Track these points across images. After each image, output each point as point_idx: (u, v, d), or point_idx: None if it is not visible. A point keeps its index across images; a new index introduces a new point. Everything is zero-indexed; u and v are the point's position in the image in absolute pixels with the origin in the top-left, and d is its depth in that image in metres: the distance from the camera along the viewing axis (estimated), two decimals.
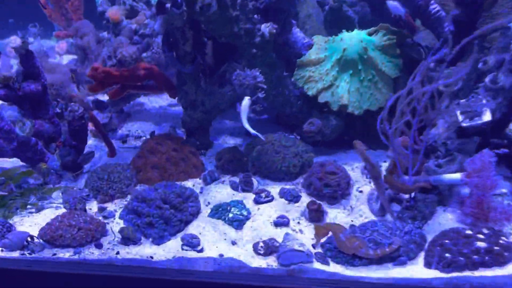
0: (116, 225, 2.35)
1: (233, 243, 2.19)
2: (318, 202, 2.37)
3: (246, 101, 2.56)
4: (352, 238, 2.05)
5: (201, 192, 2.65)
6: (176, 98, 3.00)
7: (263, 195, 2.48)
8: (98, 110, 3.18)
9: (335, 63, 2.80)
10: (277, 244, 2.08)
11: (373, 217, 2.38)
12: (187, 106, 2.90)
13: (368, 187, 2.62)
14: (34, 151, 2.63)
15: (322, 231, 2.16)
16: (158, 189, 2.39)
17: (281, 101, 2.93)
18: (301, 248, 1.99)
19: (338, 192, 2.47)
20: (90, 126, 2.90)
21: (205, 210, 2.47)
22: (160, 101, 3.80)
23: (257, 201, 2.50)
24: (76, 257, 2.04)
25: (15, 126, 2.46)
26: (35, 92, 2.67)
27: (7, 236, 2.09)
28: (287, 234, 2.13)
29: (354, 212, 2.44)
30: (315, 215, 2.33)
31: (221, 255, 2.07)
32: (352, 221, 2.40)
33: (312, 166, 2.64)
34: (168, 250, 2.12)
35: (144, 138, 3.23)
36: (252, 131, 2.56)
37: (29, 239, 2.10)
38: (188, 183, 2.73)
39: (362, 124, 2.90)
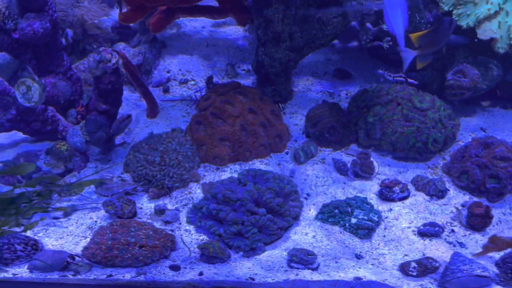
0: (184, 232, 2.07)
1: (359, 256, 1.97)
2: (485, 204, 2.07)
3: None
4: None
5: (292, 177, 2.34)
6: (247, 26, 2.50)
7: (397, 189, 2.16)
8: (124, 42, 2.68)
9: None
10: (437, 265, 1.90)
11: None
12: (267, 41, 2.43)
13: None
14: (43, 120, 2.22)
15: (500, 246, 1.93)
16: (246, 183, 2.06)
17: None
18: (485, 274, 1.82)
19: (509, 187, 2.14)
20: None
21: (306, 207, 2.20)
22: (201, 20, 3.24)
23: (386, 197, 2.18)
24: (141, 278, 1.85)
25: (15, 90, 2.00)
26: (41, 34, 2.15)
27: (37, 257, 1.85)
28: (457, 254, 1.91)
29: None
30: (480, 221, 2.05)
31: (358, 278, 1.86)
32: None
33: (465, 144, 2.28)
34: (269, 268, 1.92)
35: (193, 83, 2.80)
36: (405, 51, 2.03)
37: (69, 259, 1.87)
38: (271, 163, 2.40)
39: None
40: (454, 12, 2.37)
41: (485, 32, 2.31)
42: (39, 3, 2.18)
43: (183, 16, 2.58)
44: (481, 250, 1.98)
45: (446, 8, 2.40)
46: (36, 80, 2.06)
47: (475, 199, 2.20)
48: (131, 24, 2.80)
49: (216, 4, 2.61)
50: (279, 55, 2.47)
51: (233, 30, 3.19)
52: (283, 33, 2.41)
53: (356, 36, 3.07)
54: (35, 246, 1.93)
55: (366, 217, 2.08)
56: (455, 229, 2.11)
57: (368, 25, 2.34)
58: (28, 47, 2.22)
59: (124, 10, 2.63)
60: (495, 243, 1.94)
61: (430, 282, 1.88)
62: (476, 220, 2.06)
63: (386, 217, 2.15)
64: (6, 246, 1.86)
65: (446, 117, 2.35)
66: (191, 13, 2.54)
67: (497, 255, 1.99)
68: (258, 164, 2.40)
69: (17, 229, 2.01)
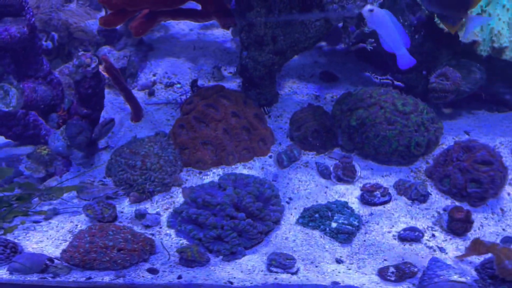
0: (165, 236, 2.10)
1: (339, 261, 2.00)
2: (465, 208, 2.08)
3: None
4: None
5: (274, 181, 2.36)
6: (230, 29, 2.52)
7: (378, 193, 2.18)
8: (109, 45, 2.71)
9: None
10: (415, 270, 1.92)
11: None
12: (250, 44, 2.45)
13: None
14: (25, 124, 2.27)
15: (479, 250, 1.95)
16: (226, 187, 2.08)
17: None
18: (462, 279, 1.83)
19: (490, 192, 2.16)
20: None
21: (288, 211, 2.22)
22: (190, 22, 3.27)
23: (367, 202, 2.21)
24: (120, 280, 1.88)
25: None
26: (17, 39, 2.18)
27: (16, 260, 1.89)
28: (435, 260, 1.93)
29: (506, 217, 2.21)
30: (460, 226, 2.07)
31: (335, 283, 1.89)
32: (503, 230, 2.17)
33: (448, 147, 2.29)
34: (248, 272, 1.95)
35: (179, 86, 2.83)
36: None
37: (48, 262, 1.91)
38: (255, 166, 2.42)
39: None
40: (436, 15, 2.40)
41: (468, 35, 2.33)
42: (15, 8, 2.22)
43: (166, 19, 2.60)
44: (462, 253, 2.01)
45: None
46: (14, 85, 2.09)
47: (457, 203, 2.22)
48: (118, 27, 2.84)
49: (199, 7, 2.64)
50: (262, 58, 2.49)
51: (221, 33, 3.22)
52: (266, 36, 2.43)
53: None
54: (14, 248, 1.96)
55: (346, 222, 2.10)
56: (436, 233, 2.13)
57: (352, 27, 2.36)
58: (6, 52, 2.25)
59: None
60: (476, 247, 1.96)
61: (408, 287, 1.90)
62: (457, 225, 2.08)
63: (367, 222, 2.17)
64: None
65: (429, 120, 2.37)
66: (174, 16, 2.56)
67: (477, 260, 2.01)
68: (241, 168, 2.43)
69: None
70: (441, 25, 2.32)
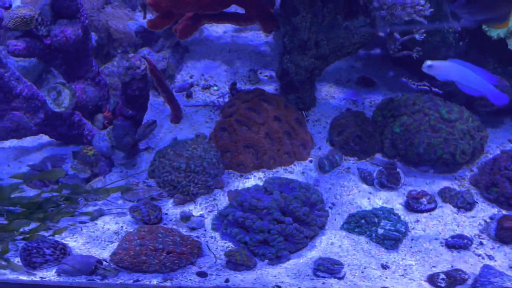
0: (210, 239, 2.14)
1: (384, 267, 2.03)
2: None
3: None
4: None
5: (316, 185, 2.40)
6: (272, 33, 2.56)
7: (424, 200, 2.21)
8: (147, 47, 2.75)
9: None
10: (466, 277, 1.95)
11: None
12: (293, 49, 2.49)
13: None
14: (70, 124, 2.31)
15: None
16: (272, 192, 2.12)
17: (436, 42, 2.50)
18: None
19: None
20: None
21: (331, 217, 2.25)
22: (224, 24, 3.31)
23: (413, 209, 2.24)
24: (167, 283, 1.92)
25: (46, 96, 2.08)
26: (73, 41, 2.22)
27: (65, 261, 1.92)
28: (487, 266, 1.97)
29: None
30: (509, 235, 2.10)
31: None
32: None
33: (494, 156, 2.32)
34: (294, 276, 1.98)
35: (216, 88, 2.88)
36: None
37: (97, 264, 1.94)
38: (295, 171, 2.46)
39: None
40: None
41: None
42: (71, 10, 2.25)
43: (209, 22, 2.65)
44: None
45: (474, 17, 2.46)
46: (66, 86, 2.14)
47: (504, 212, 2.25)
48: None
49: (241, 10, 2.69)
50: (304, 63, 2.53)
51: (255, 36, 3.26)
52: (310, 41, 2.47)
53: (380, 43, 3.14)
54: (63, 250, 1.99)
55: (393, 228, 2.13)
56: (484, 241, 2.16)
57: (396, 35, 2.39)
58: (59, 53, 2.30)
59: (148, 15, 2.72)
60: None
61: None
62: (506, 233, 2.10)
63: (413, 228, 2.20)
64: (35, 250, 1.93)
65: (475, 128, 2.40)
66: (218, 20, 2.61)
67: None
68: (282, 172, 2.47)
69: (45, 233, 2.08)
70: (489, 33, 2.36)
